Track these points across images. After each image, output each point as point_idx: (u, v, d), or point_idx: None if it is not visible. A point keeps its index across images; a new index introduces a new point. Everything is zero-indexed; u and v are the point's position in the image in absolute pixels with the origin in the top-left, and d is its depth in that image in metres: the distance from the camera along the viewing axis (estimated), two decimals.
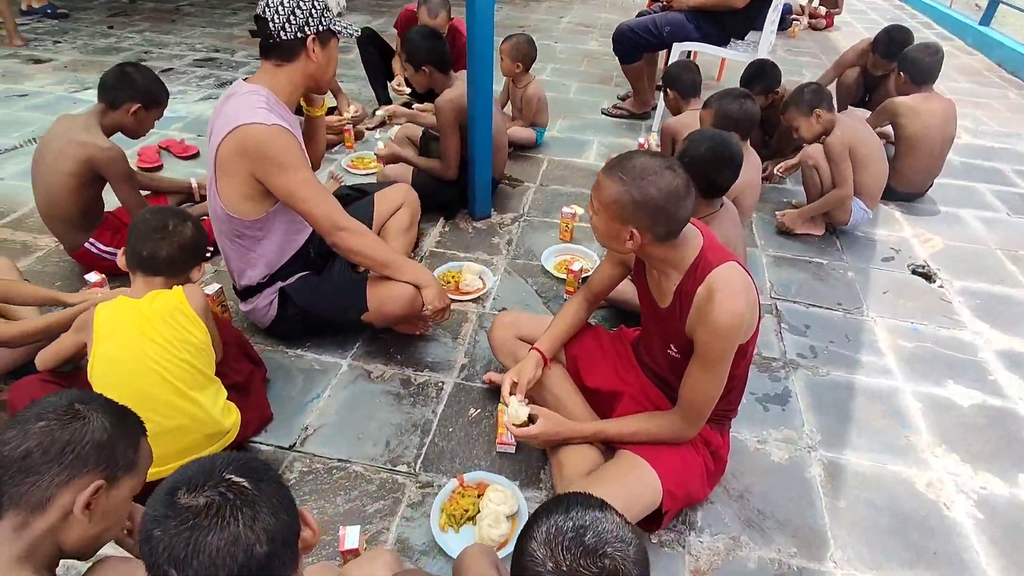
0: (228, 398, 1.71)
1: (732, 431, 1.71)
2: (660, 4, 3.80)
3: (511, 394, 1.60)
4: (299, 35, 1.77)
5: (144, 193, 2.45)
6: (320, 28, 1.79)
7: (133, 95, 2.14)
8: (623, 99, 4.31)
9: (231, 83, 2.18)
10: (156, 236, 1.56)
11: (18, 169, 3.07)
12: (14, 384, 1.63)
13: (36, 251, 2.51)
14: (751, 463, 1.76)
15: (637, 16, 3.92)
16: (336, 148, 3.44)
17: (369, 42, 3.70)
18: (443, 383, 1.97)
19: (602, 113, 4.13)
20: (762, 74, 3.04)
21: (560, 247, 2.64)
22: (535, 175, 3.30)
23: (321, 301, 1.97)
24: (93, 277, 2.15)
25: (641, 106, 4.06)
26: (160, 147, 3.28)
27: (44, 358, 1.61)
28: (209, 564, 0.68)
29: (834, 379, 2.08)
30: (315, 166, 2.28)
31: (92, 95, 2.44)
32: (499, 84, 3.62)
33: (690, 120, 2.68)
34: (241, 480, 0.74)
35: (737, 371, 1.48)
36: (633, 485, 1.43)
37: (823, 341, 2.24)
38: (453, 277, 2.43)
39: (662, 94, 2.84)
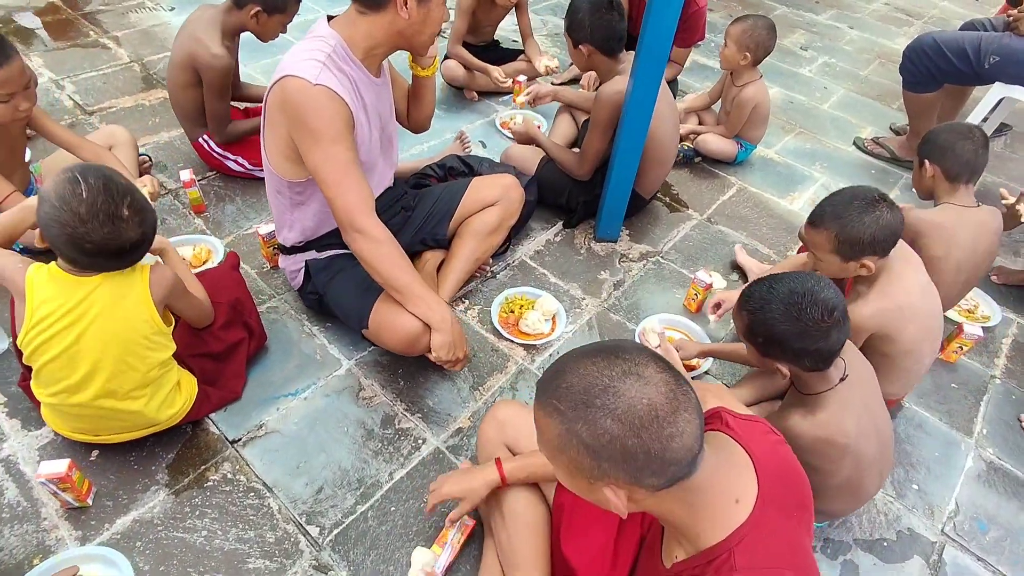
0: (200, 366, 1.57)
1: None
2: (1007, 18, 2.57)
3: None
4: None
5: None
6: None
7: None
8: (897, 133, 3.18)
9: None
10: (87, 244, 1.17)
11: None
12: None
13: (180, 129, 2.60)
14: None
15: (961, 28, 2.73)
16: (504, 98, 3.05)
17: None
18: (424, 441, 1.62)
19: (854, 144, 3.09)
20: None
21: (670, 318, 2.01)
22: (708, 202, 2.58)
23: (333, 292, 1.70)
24: (185, 175, 2.15)
25: (912, 152, 2.93)
26: None
27: None
28: None
29: None
30: (421, 128, 1.96)
31: None
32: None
33: (945, 220, 1.77)
34: None
35: None
36: None
37: None
38: (519, 307, 1.98)
39: (915, 164, 1.91)
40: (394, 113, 1.77)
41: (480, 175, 2.16)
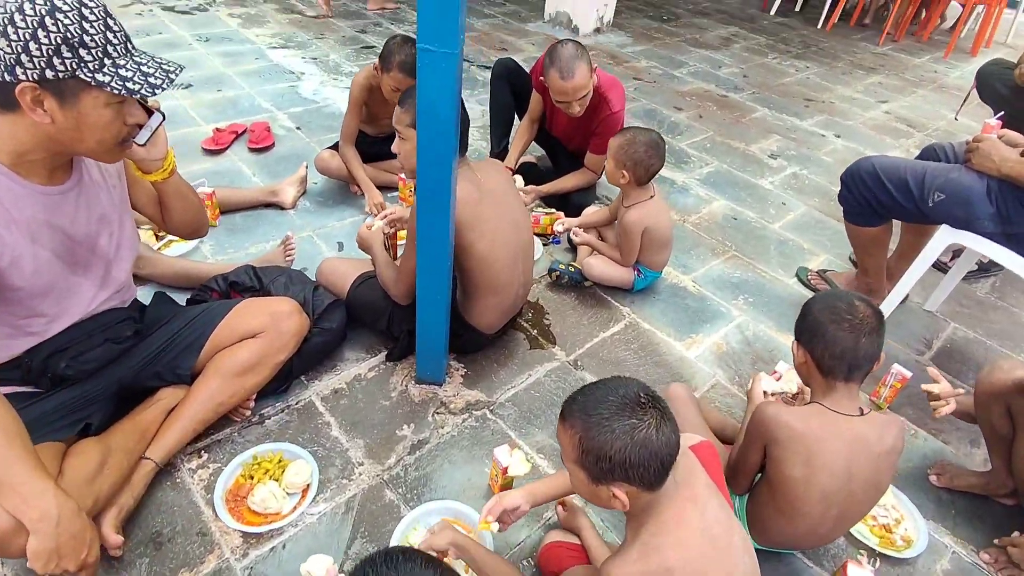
0: None
1: None
2: (965, 145, 2.10)
3: None
4: (7, 77, 1.08)
5: None
6: (52, 73, 1.08)
7: None
8: (857, 265, 2.67)
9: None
10: None
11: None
12: None
13: None
14: None
15: (921, 153, 2.27)
16: (391, 194, 2.74)
17: (503, 77, 2.83)
18: None
19: (796, 275, 2.60)
20: None
21: (455, 509, 1.53)
22: (583, 339, 2.12)
23: None
24: None
25: (863, 293, 2.42)
26: (234, 131, 2.98)
27: None
28: None
29: None
30: (191, 234, 1.63)
31: None
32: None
33: (808, 429, 1.28)
34: None
35: None
36: None
37: None
38: (264, 472, 1.55)
39: (792, 343, 1.43)
40: (115, 221, 1.44)
41: (269, 294, 1.80)
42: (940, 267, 2.64)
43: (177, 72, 1.22)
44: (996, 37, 6.50)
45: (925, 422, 1.98)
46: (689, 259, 2.59)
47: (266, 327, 1.61)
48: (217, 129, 2.94)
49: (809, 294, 2.49)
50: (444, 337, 1.77)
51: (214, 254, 2.27)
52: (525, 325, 2.15)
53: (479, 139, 3.25)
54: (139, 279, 2.06)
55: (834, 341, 1.28)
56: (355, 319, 1.92)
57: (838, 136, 3.98)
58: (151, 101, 1.30)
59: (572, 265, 2.32)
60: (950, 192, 1.89)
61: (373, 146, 2.78)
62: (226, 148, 2.88)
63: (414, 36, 2.55)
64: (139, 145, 1.30)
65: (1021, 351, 2.39)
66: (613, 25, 5.37)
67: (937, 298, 2.49)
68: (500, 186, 1.80)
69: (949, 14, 7.14)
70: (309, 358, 1.78)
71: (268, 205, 2.54)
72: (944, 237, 1.95)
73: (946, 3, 6.47)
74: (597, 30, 5.20)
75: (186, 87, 3.40)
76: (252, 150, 2.91)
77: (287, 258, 2.09)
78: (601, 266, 2.25)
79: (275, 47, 4.09)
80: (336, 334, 1.83)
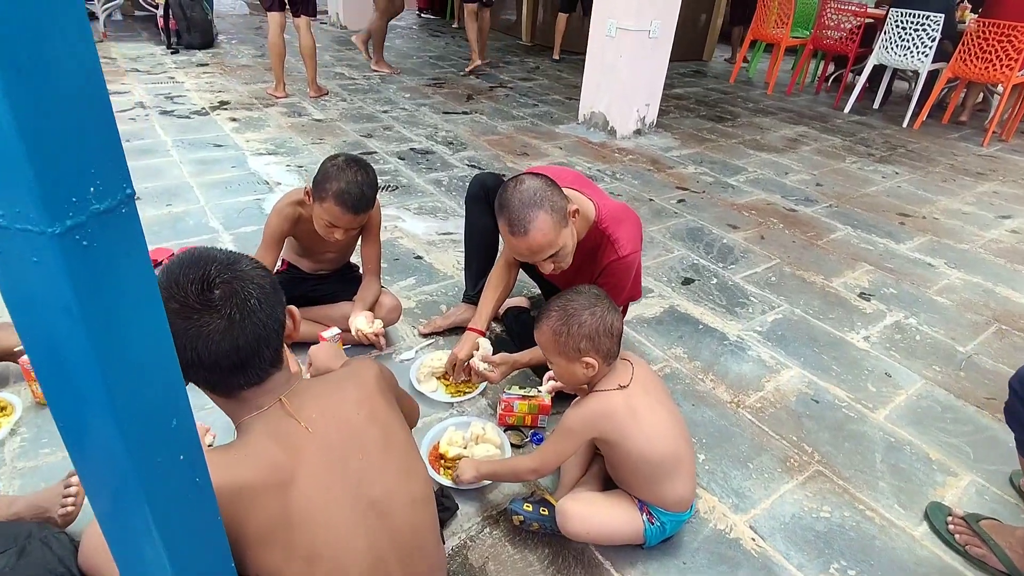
0: None
1: None
2: None
3: None
4: None
5: None
6: None
7: None
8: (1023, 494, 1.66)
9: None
10: None
11: None
12: None
13: None
14: None
15: None
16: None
17: (481, 199, 2.11)
18: None
19: (926, 517, 1.60)
20: None
21: None
22: None
23: None
24: None
25: None
26: (153, 260, 2.37)
27: None
28: None
29: None
30: None
31: None
32: None
33: None
34: None
35: None
36: None
37: None
38: None
39: None
40: None
41: None
42: None
43: None
44: None
45: None
46: (746, 480, 1.66)
47: None
48: None
49: (951, 560, 1.48)
50: None
51: None
52: None
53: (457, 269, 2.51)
54: None
55: None
56: None
57: (952, 267, 3.00)
58: None
59: (547, 502, 1.44)
60: None
61: (310, 286, 2.10)
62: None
63: (362, 158, 1.91)
64: None
65: None
66: (657, 126, 4.71)
67: None
68: (344, 412, 0.99)
69: None
70: None
71: None
72: None
73: None
74: (638, 131, 4.54)
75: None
76: None
77: (62, 511, 1.28)
78: (586, 512, 1.34)
79: (261, 153, 3.62)
80: None
